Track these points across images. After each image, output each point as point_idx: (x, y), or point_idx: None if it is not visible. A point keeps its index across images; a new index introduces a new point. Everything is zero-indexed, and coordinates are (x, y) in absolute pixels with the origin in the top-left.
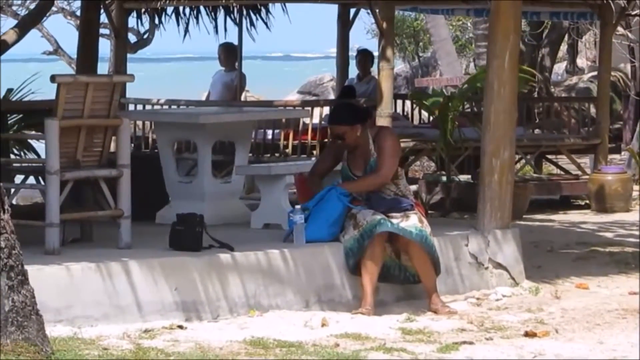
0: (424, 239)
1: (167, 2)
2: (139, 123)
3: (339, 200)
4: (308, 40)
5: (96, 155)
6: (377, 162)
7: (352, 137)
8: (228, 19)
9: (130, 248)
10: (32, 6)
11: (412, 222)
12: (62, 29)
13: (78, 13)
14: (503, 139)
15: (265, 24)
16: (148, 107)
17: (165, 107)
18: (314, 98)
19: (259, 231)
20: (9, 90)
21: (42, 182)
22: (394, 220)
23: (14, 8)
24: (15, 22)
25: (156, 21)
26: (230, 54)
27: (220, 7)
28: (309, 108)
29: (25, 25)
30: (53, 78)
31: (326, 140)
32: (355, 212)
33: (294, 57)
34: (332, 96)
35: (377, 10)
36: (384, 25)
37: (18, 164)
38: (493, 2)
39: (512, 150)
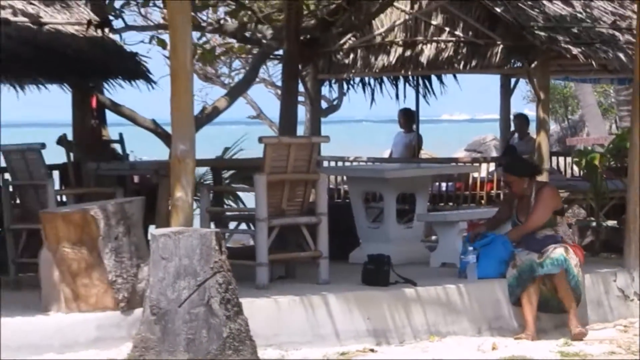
0: (567, 267)
1: (354, 73)
2: (333, 177)
3: (504, 245)
4: (474, 104)
5: (298, 205)
6: (530, 212)
7: (519, 187)
8: (408, 86)
9: (328, 284)
10: (238, 78)
11: (558, 253)
12: (264, 96)
13: (278, 83)
14: None
15: (438, 91)
16: (340, 163)
17: (355, 163)
18: (478, 155)
19: (437, 269)
20: (226, 149)
21: (252, 228)
22: (546, 256)
23: (222, 79)
24: (223, 91)
25: (344, 90)
26: (408, 118)
27: (401, 77)
28: (477, 164)
29: (233, 94)
30: (261, 139)
31: (492, 191)
32: (514, 254)
33: (461, 120)
34: (494, 153)
35: (535, 80)
36: (541, 93)
37: (231, 213)
38: (636, 74)
39: None
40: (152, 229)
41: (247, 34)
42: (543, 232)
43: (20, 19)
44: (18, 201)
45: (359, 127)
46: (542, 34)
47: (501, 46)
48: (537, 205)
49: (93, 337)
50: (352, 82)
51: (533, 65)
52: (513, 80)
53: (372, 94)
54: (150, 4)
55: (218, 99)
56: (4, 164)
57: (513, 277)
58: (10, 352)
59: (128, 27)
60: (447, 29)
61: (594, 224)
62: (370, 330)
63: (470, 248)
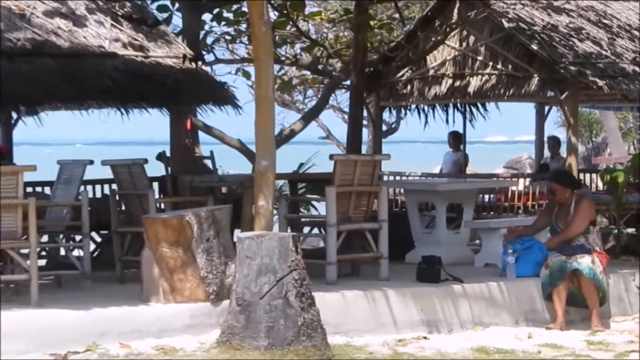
0: (593, 275)
1: (411, 101)
2: (391, 189)
3: (540, 250)
4: (512, 128)
5: (362, 213)
6: (570, 221)
7: (562, 195)
8: (456, 112)
9: (388, 280)
10: (311, 104)
11: (585, 262)
12: (332, 120)
13: (345, 109)
14: None
15: (483, 116)
16: (398, 177)
17: (410, 178)
18: (515, 172)
19: (480, 269)
20: (301, 164)
21: (323, 232)
22: (574, 258)
23: (297, 105)
24: (298, 116)
25: (402, 115)
26: (457, 139)
27: (450, 104)
28: (515, 179)
29: (307, 118)
30: (332, 157)
31: (528, 202)
32: (547, 256)
33: (501, 141)
34: (528, 170)
35: (566, 108)
36: (571, 119)
37: (306, 219)
38: None
39: None
40: (238, 233)
41: (320, 67)
42: (575, 240)
43: (128, 52)
44: (123, 208)
45: (414, 147)
46: (573, 68)
47: (537, 78)
48: (576, 216)
49: (187, 324)
50: (408, 108)
51: (564, 95)
52: (547, 108)
53: (426, 119)
54: (237, 41)
55: (294, 122)
56: (112, 176)
57: (545, 276)
58: (115, 336)
59: (218, 60)
60: (491, 63)
61: (615, 231)
62: (423, 320)
63: (510, 251)
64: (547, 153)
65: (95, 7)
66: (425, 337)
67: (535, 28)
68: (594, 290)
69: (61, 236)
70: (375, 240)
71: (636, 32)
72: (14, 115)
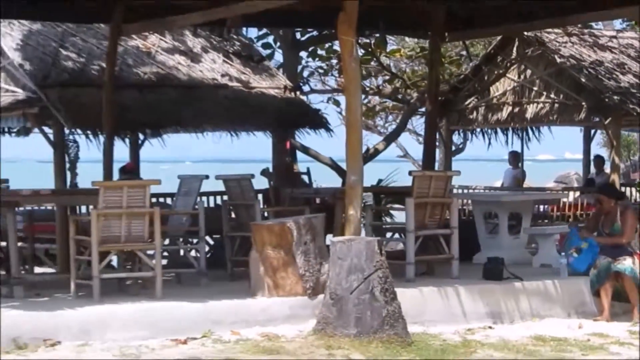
0: (634, 274)
1: (476, 125)
2: (460, 200)
3: (594, 254)
4: (562, 148)
5: (436, 220)
6: (622, 230)
7: (607, 205)
8: (515, 134)
9: (458, 278)
10: (391, 128)
11: (627, 263)
12: (409, 141)
13: (420, 132)
14: None
15: (537, 139)
16: (466, 190)
17: (476, 190)
18: (565, 185)
19: (538, 269)
20: (379, 180)
21: (403, 237)
22: (618, 260)
23: (379, 129)
24: (380, 138)
25: (469, 137)
26: (516, 158)
27: (510, 128)
28: (566, 192)
29: (388, 140)
30: (410, 173)
31: (577, 212)
32: (596, 259)
33: (552, 159)
34: (575, 184)
35: (610, 132)
36: (614, 141)
37: (388, 226)
38: None
39: None
40: (331, 237)
41: (399, 96)
42: (620, 244)
43: (236, 84)
44: (233, 216)
45: (479, 164)
46: (615, 97)
47: (584, 106)
48: (626, 225)
49: (287, 315)
50: (474, 131)
51: (608, 120)
52: (592, 131)
53: (489, 140)
54: (329, 74)
55: (377, 143)
56: (224, 189)
57: (594, 275)
58: (227, 325)
59: (312, 91)
60: (545, 93)
61: None
62: (488, 312)
63: (571, 250)
64: (593, 169)
65: (209, 45)
66: (490, 327)
67: (583, 63)
68: (635, 287)
69: (181, 239)
70: (447, 244)
71: None
72: (141, 137)
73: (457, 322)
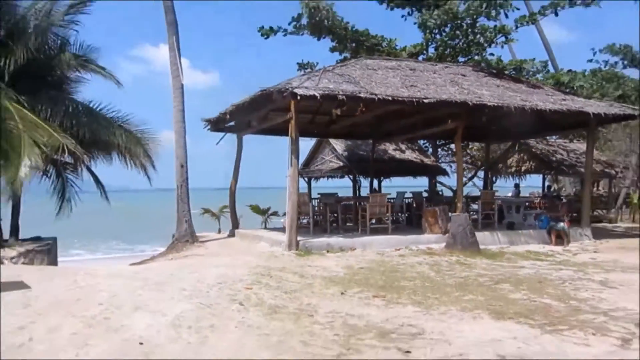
0: (563, 228)
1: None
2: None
3: (547, 219)
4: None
5: (491, 207)
6: (560, 211)
7: (554, 202)
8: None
9: (498, 230)
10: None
11: (561, 225)
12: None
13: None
14: None
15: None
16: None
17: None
18: (537, 194)
19: (526, 226)
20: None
21: (475, 214)
22: (558, 223)
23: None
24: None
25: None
26: (516, 186)
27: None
28: (537, 197)
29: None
30: (480, 190)
31: (540, 205)
32: (548, 222)
33: (527, 186)
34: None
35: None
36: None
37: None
38: None
39: None
40: (451, 214)
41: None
42: None
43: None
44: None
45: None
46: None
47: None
48: (562, 209)
49: (435, 241)
50: (501, 176)
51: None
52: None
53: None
54: None
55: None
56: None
57: (548, 228)
58: (413, 244)
59: None
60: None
61: None
62: (508, 241)
63: (536, 221)
64: (545, 189)
65: None
66: (508, 246)
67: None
68: (563, 234)
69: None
70: (493, 216)
71: None
72: None
73: (496, 244)
